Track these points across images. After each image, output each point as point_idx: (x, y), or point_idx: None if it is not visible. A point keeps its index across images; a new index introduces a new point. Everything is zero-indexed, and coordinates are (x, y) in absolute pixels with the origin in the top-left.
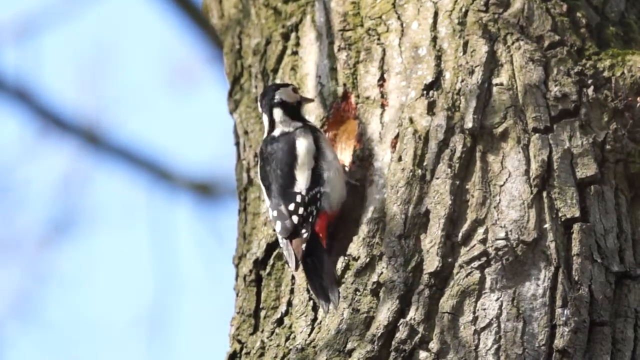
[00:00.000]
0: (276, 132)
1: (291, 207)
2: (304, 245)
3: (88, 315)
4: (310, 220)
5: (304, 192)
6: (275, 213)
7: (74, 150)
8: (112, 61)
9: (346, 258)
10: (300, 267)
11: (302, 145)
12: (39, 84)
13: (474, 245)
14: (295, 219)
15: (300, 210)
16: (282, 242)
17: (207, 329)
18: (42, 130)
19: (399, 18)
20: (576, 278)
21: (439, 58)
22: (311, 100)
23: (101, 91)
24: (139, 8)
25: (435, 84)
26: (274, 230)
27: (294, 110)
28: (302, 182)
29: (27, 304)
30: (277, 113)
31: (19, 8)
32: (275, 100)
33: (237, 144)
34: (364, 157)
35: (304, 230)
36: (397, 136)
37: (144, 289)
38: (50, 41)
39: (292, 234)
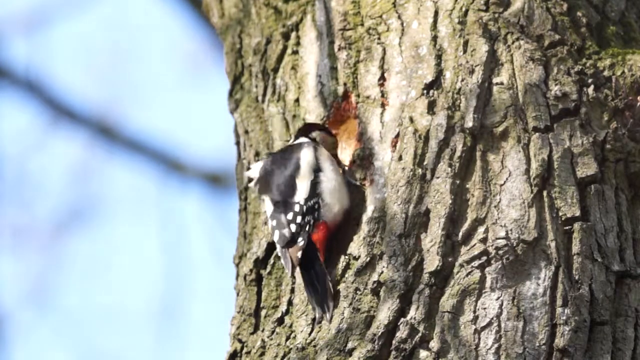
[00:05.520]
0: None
1: (290, 216)
2: (299, 253)
3: (101, 303)
4: (307, 229)
5: (302, 202)
6: (274, 222)
7: (85, 141)
8: (123, 52)
9: (346, 257)
10: (298, 274)
11: (305, 157)
12: (50, 76)
13: (474, 245)
14: (293, 227)
15: (298, 219)
16: (280, 251)
17: (217, 318)
18: (53, 121)
19: (399, 17)
20: (576, 277)
21: (439, 57)
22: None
23: (112, 82)
24: None
25: (435, 83)
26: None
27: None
28: (301, 192)
29: (42, 292)
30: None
31: None
32: (311, 136)
33: (238, 143)
34: (364, 157)
35: (300, 239)
36: (397, 135)
37: (155, 278)
38: (61, 32)
39: (289, 242)
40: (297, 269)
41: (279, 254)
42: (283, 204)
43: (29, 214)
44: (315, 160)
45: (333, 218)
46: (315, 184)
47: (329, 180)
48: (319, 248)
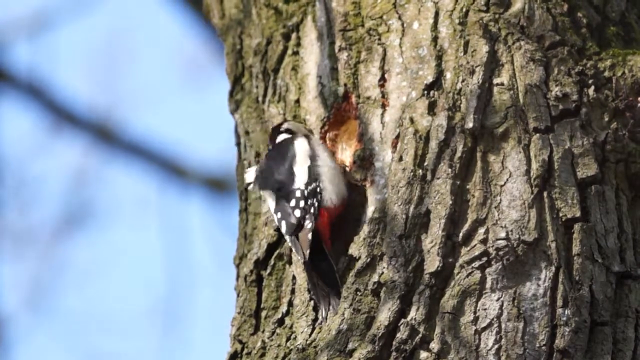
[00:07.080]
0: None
1: (292, 203)
2: (309, 235)
3: (102, 308)
4: (312, 212)
5: (302, 187)
6: (279, 215)
7: (86, 145)
8: (124, 56)
9: (347, 258)
10: (300, 274)
11: (299, 145)
12: (52, 80)
13: (474, 245)
14: (297, 213)
15: (302, 204)
16: (290, 240)
17: (219, 322)
18: (54, 125)
19: (399, 18)
20: (577, 278)
21: (439, 58)
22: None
23: (114, 86)
24: (152, 3)
25: (436, 84)
26: (279, 231)
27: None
28: (300, 178)
29: (41, 295)
30: (281, 137)
31: (31, 3)
32: (282, 129)
33: (238, 144)
34: (364, 157)
35: (307, 222)
36: (397, 136)
37: (157, 283)
38: (63, 36)
39: (297, 229)
40: (300, 265)
41: (290, 244)
42: (284, 194)
43: (29, 217)
44: (310, 148)
45: (333, 204)
46: (313, 170)
47: (326, 165)
48: (323, 236)
